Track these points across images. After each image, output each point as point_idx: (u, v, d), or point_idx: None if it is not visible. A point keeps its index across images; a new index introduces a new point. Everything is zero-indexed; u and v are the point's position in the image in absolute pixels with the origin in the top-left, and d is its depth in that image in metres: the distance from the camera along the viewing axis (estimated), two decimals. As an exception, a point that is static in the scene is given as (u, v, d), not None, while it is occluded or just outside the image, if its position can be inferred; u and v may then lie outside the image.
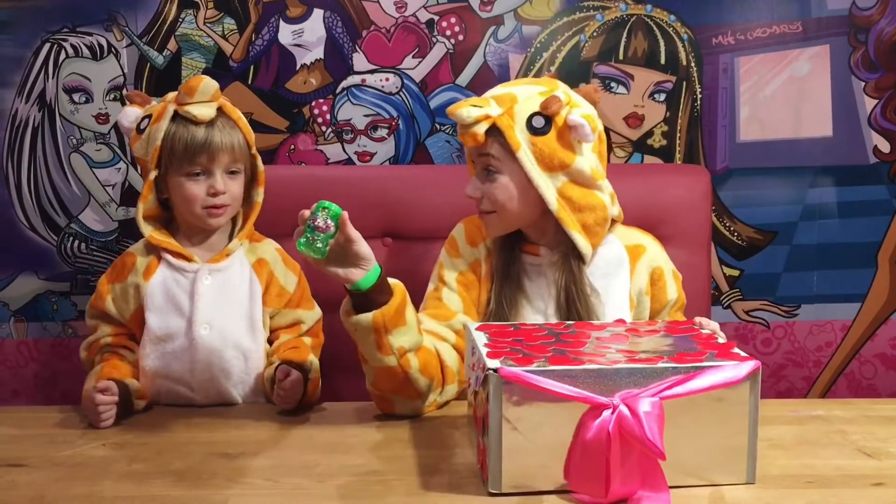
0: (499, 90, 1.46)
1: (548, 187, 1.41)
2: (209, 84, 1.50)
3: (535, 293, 1.46)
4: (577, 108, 1.42)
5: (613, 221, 1.50)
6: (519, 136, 1.39)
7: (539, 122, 1.40)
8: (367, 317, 1.27)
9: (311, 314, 1.59)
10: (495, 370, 1.07)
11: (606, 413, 1.04)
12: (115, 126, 1.95)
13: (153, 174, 1.50)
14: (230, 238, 1.57)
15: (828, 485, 1.12)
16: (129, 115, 1.56)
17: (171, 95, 1.53)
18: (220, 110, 1.51)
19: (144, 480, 1.18)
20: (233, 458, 1.25)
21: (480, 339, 1.19)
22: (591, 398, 1.05)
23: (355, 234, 1.25)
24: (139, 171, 1.67)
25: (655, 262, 1.50)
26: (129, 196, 1.98)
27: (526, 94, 1.42)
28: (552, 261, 1.46)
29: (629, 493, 1.06)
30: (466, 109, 1.39)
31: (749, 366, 1.09)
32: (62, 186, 1.97)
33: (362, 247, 1.25)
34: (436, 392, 1.38)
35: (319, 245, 1.24)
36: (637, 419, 1.02)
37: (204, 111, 1.48)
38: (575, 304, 1.42)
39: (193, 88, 1.48)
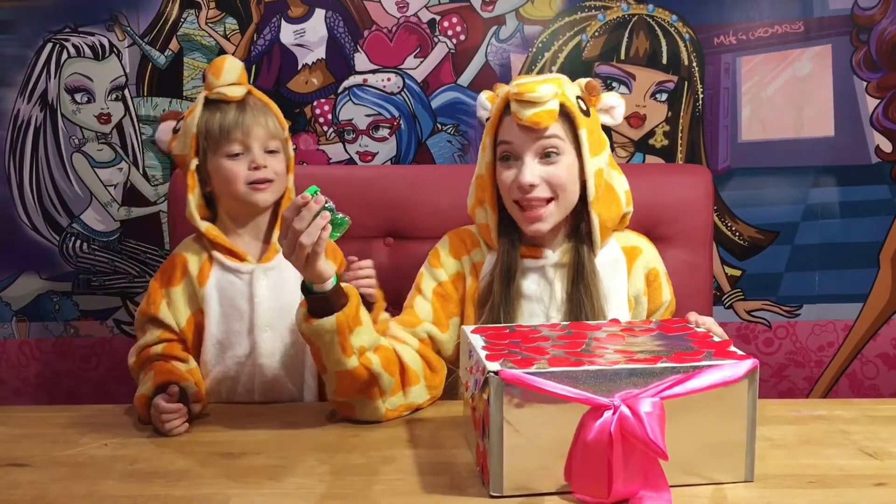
0: (542, 75, 1.42)
1: (593, 170, 1.40)
2: (234, 62, 1.50)
3: (537, 296, 1.44)
4: (607, 93, 1.45)
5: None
6: (580, 116, 1.39)
7: (583, 105, 1.41)
8: (330, 319, 1.25)
9: None
10: (496, 373, 1.07)
11: (607, 414, 1.04)
12: (117, 126, 1.96)
13: (194, 163, 1.48)
14: (270, 227, 1.53)
15: (830, 485, 1.12)
16: (165, 127, 1.54)
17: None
18: (248, 93, 1.50)
19: (146, 480, 1.18)
20: (235, 457, 1.25)
21: (477, 341, 1.19)
22: (591, 399, 1.05)
23: None
24: (182, 173, 1.63)
25: (651, 264, 1.50)
26: (130, 196, 1.98)
27: (565, 79, 1.42)
28: (556, 261, 1.45)
29: (630, 493, 1.06)
30: (543, 86, 1.36)
31: (747, 364, 1.09)
32: (64, 186, 1.98)
33: None
34: (397, 395, 1.36)
35: (347, 218, 1.24)
36: (638, 419, 1.02)
37: (235, 90, 1.48)
38: (584, 295, 1.40)
39: (220, 67, 1.48)
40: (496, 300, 1.42)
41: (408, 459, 1.22)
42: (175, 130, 1.53)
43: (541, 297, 1.44)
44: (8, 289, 2.00)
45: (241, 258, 1.48)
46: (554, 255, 1.45)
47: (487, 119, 1.44)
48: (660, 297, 1.49)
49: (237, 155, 1.47)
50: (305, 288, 1.27)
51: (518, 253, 1.45)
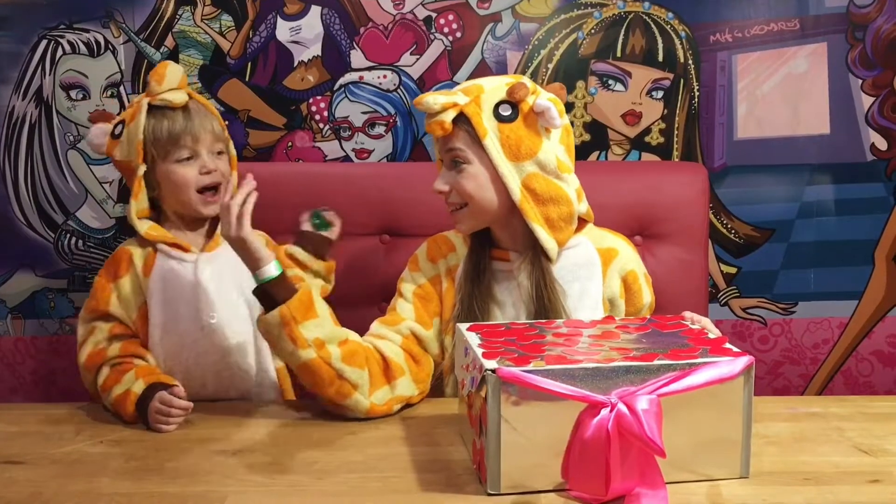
0: (466, 83, 1.47)
1: (512, 177, 1.40)
2: (175, 68, 1.52)
3: (507, 299, 1.45)
4: (543, 94, 1.43)
5: (583, 221, 1.49)
6: (486, 124, 1.39)
7: (506, 109, 1.40)
8: (273, 313, 1.33)
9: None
10: (493, 371, 1.07)
11: (605, 411, 1.05)
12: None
13: (142, 169, 1.50)
14: (214, 223, 1.57)
15: (825, 481, 1.13)
16: (99, 131, 1.56)
17: (139, 97, 1.54)
18: (190, 98, 1.53)
19: (142, 477, 1.18)
20: (230, 455, 1.25)
21: (473, 339, 1.19)
22: (589, 397, 1.06)
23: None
24: (122, 176, 1.67)
25: (628, 266, 1.49)
26: (126, 193, 1.97)
27: (492, 85, 1.43)
28: (522, 265, 1.45)
29: (627, 489, 1.06)
30: (433, 97, 1.39)
31: (743, 361, 1.10)
32: (59, 183, 1.97)
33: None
34: (381, 389, 1.38)
35: None
36: (636, 417, 1.03)
37: (178, 96, 1.50)
38: (544, 303, 1.41)
39: (162, 74, 1.50)
40: (466, 298, 1.44)
41: (404, 457, 1.23)
42: (114, 136, 1.54)
43: (511, 300, 1.45)
44: (3, 286, 2.00)
45: (185, 249, 1.52)
46: (520, 259, 1.46)
47: None
48: (640, 299, 1.49)
49: (187, 159, 1.50)
50: (257, 288, 1.35)
51: (487, 254, 1.47)
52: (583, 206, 1.47)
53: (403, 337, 1.44)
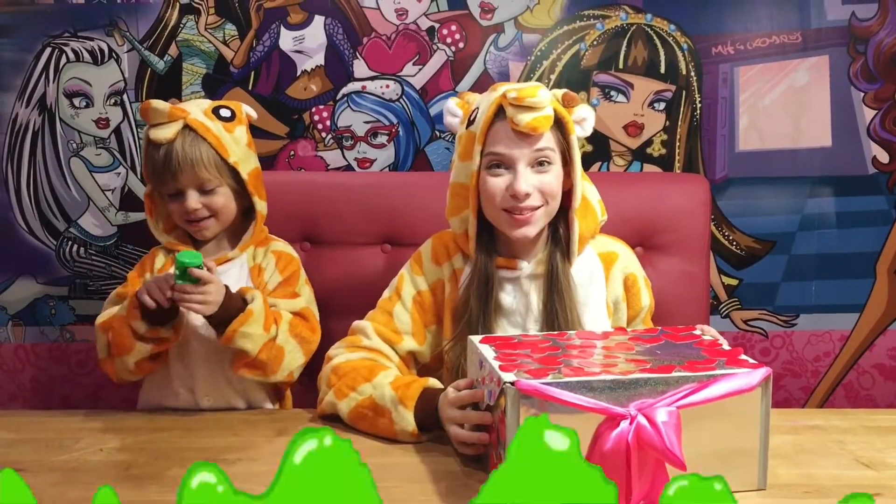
0: (508, 85, 1.40)
1: (580, 178, 1.41)
2: (157, 106, 1.49)
3: (514, 307, 1.43)
4: (579, 104, 1.42)
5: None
6: (572, 122, 1.39)
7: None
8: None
9: (285, 301, 1.53)
10: (512, 383, 1.06)
11: (624, 424, 1.03)
12: (115, 131, 1.96)
13: (148, 187, 1.55)
14: (231, 234, 1.59)
15: (826, 495, 1.12)
16: None
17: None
18: (186, 127, 1.49)
19: (141, 486, 1.17)
20: (230, 463, 1.25)
21: (488, 352, 1.17)
22: (608, 409, 1.04)
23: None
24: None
25: (629, 269, 1.48)
26: (128, 201, 1.98)
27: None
28: (531, 272, 1.43)
29: (637, 501, 1.05)
30: (542, 91, 1.33)
31: (761, 373, 1.08)
32: (62, 190, 1.98)
33: None
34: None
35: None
36: (656, 429, 1.01)
37: (160, 133, 1.48)
38: (555, 309, 1.39)
39: (145, 112, 1.50)
40: (473, 315, 1.40)
41: (404, 467, 1.22)
42: None
43: (517, 309, 1.43)
44: (4, 293, 2.00)
45: None
46: (529, 266, 1.43)
47: (470, 124, 1.40)
48: (639, 302, 1.49)
49: (172, 195, 1.51)
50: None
51: (494, 265, 1.43)
52: (604, 217, 1.48)
53: (401, 358, 1.45)
